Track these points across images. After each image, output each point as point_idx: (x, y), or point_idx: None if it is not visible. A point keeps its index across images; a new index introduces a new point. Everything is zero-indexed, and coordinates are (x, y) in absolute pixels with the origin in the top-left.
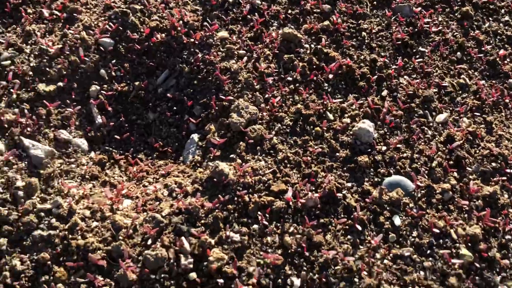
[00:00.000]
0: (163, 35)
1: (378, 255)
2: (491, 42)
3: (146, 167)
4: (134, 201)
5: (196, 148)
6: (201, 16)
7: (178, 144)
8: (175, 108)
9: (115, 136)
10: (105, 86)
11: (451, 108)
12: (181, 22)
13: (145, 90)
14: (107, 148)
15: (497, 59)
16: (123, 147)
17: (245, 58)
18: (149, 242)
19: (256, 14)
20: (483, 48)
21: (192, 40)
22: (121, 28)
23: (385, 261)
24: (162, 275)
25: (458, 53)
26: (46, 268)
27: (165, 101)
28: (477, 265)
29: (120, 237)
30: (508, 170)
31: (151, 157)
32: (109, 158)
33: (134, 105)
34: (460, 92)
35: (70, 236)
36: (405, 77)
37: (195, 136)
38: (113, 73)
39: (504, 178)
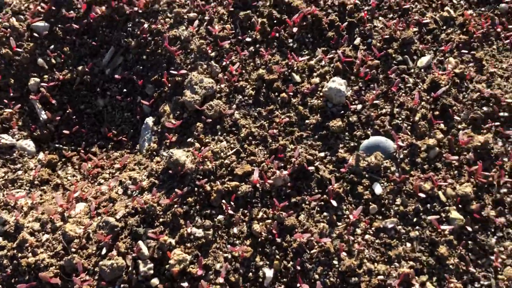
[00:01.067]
0: (103, 8)
1: (358, 231)
2: None
3: (101, 161)
4: (87, 204)
5: (151, 134)
6: None
7: (133, 130)
8: (125, 90)
9: (64, 131)
10: (46, 76)
11: (434, 48)
12: None
13: (91, 74)
14: (57, 145)
15: None
16: (74, 142)
17: (196, 22)
18: (104, 251)
19: None
20: None
21: (135, 8)
22: (54, 8)
23: (367, 236)
24: (122, 286)
25: None
26: None
27: (114, 83)
28: (469, 228)
29: (73, 249)
30: (501, 114)
31: (106, 148)
32: (60, 157)
33: (81, 92)
34: (445, 27)
35: (19, 254)
36: (380, 18)
37: (149, 120)
38: (53, 60)
39: (497, 123)
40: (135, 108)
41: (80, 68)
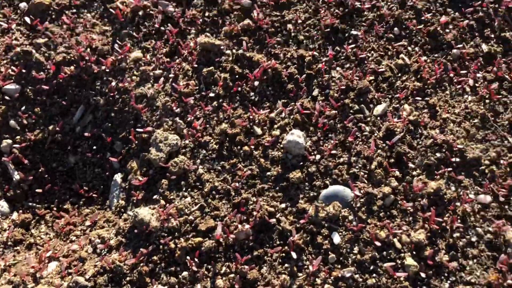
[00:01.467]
0: (72, 68)
1: (318, 280)
2: (431, 8)
3: (73, 218)
4: (59, 264)
5: (119, 190)
6: (111, 38)
7: (104, 186)
8: (95, 146)
9: (37, 189)
10: (18, 137)
11: (390, 96)
12: (89, 50)
13: (62, 133)
14: (30, 204)
15: (438, 28)
16: (47, 200)
17: (162, 79)
18: None
19: (169, 24)
20: (422, 18)
21: (103, 67)
22: (24, 70)
23: (326, 286)
24: None
25: (395, 28)
26: None
27: (84, 140)
28: (423, 274)
29: None
30: (453, 159)
31: (78, 204)
32: (34, 215)
33: (53, 151)
34: (400, 74)
35: None
36: (337, 68)
37: (117, 177)
38: (25, 121)
39: (450, 168)
40: (105, 164)
41: (51, 127)
